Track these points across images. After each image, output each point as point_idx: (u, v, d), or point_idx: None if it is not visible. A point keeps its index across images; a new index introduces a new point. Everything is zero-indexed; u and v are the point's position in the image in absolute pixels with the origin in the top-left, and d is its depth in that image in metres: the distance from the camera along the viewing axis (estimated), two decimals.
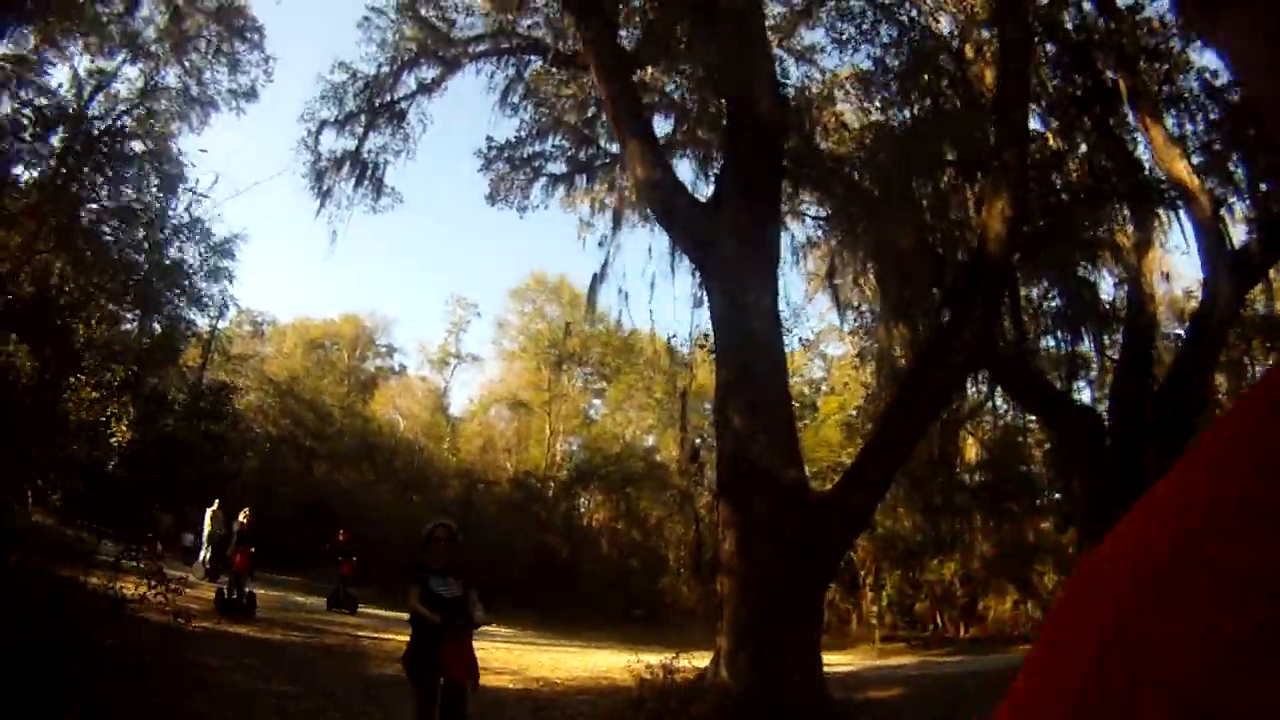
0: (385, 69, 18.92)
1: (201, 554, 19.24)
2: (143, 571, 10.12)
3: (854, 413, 29.05)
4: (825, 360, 34.93)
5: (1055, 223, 16.56)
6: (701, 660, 11.55)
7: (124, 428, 11.78)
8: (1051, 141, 17.12)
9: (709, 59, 14.16)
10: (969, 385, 18.86)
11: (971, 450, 27.39)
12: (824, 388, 35.96)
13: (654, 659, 11.90)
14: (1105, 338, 18.78)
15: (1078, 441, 16.29)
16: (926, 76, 16.22)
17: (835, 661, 18.05)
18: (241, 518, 18.18)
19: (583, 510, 36.71)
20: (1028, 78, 13.44)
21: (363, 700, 10.40)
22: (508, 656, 16.01)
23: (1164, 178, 16.37)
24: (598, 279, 19.15)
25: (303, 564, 23.76)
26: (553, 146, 20.24)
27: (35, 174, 15.82)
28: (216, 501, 19.00)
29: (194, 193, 11.55)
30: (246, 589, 16.19)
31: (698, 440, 31.99)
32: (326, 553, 22.65)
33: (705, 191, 16.13)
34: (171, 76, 24.67)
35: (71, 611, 8.06)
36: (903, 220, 14.42)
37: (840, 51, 17.44)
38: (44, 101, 13.84)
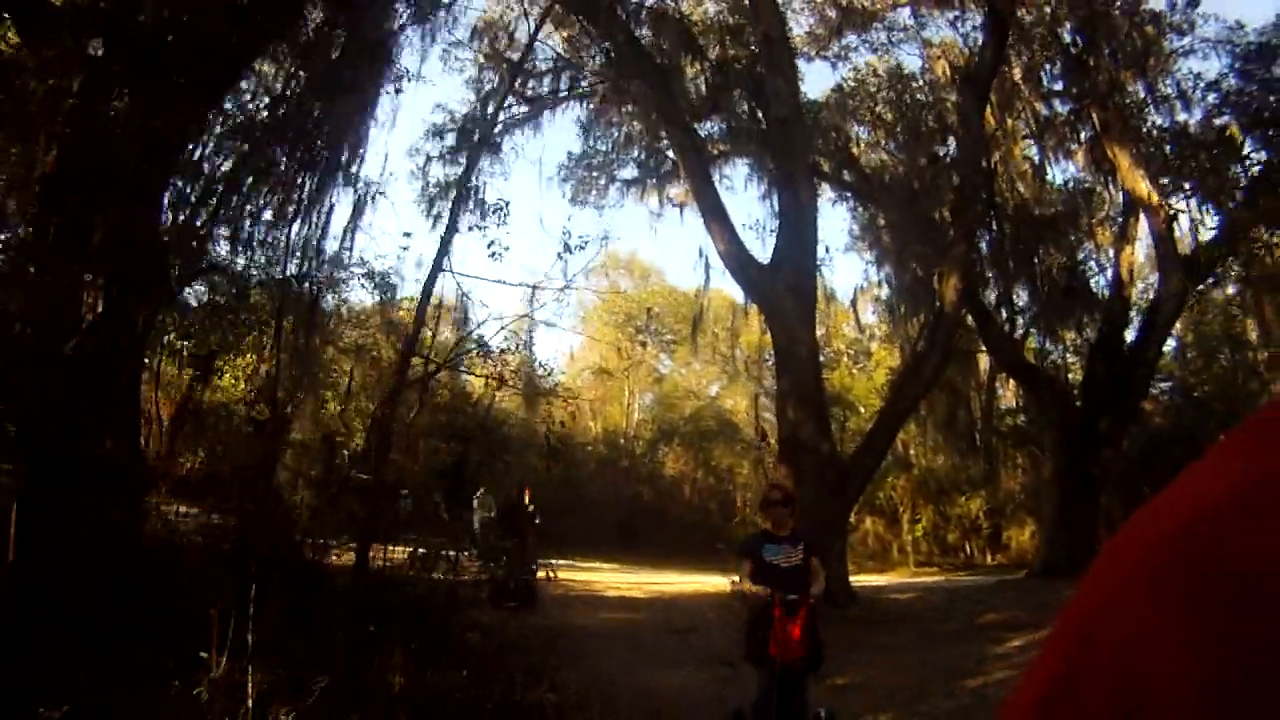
0: (478, 108, 22.90)
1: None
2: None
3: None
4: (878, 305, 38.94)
5: (1041, 230, 22.71)
6: None
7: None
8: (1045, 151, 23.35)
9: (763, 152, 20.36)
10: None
11: (1010, 395, 32.85)
12: (877, 333, 40.32)
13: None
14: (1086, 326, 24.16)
15: (1053, 410, 21.90)
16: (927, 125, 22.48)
17: (874, 579, 24.02)
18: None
19: (664, 462, 42.12)
20: (978, 198, 19.64)
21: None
22: (626, 580, 22.36)
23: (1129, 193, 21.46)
24: (695, 324, 25.01)
25: None
26: (625, 156, 25.37)
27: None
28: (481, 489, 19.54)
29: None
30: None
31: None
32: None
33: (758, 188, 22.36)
34: None
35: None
36: (908, 253, 20.79)
37: (873, 52, 23.73)
38: None
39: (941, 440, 28.93)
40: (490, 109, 21.54)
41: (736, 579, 6.97)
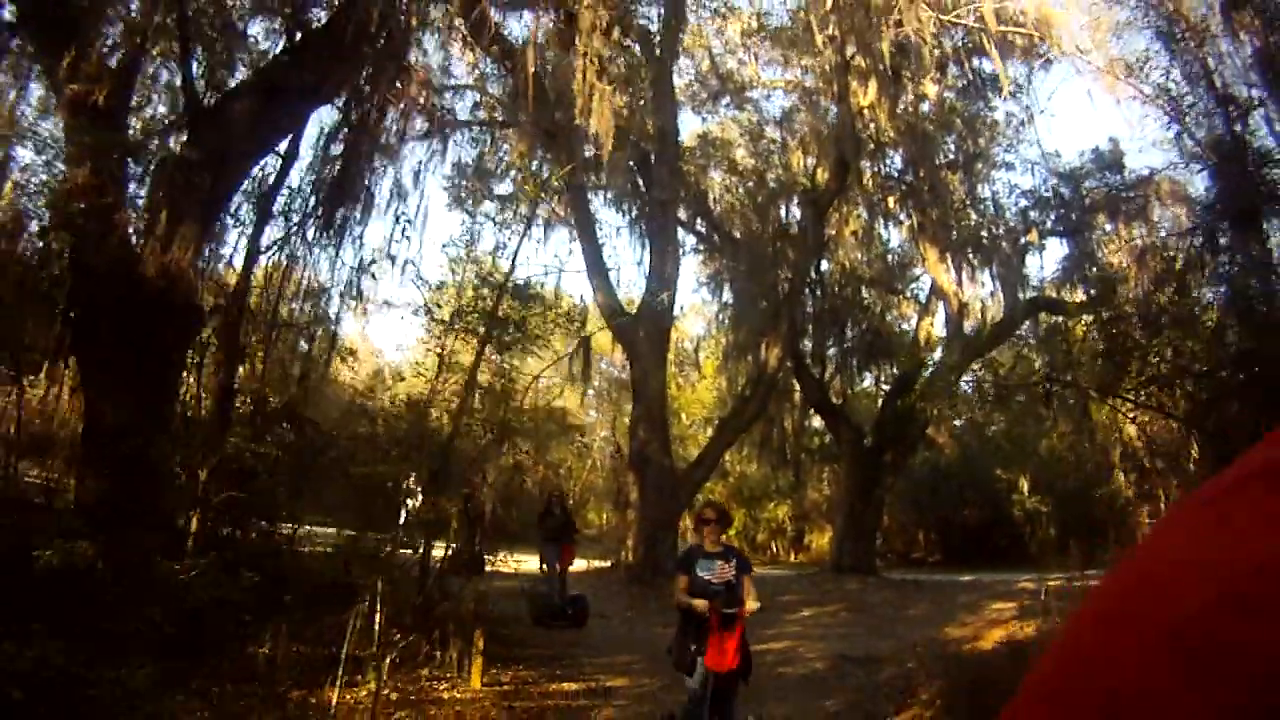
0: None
1: None
2: None
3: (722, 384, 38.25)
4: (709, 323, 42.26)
5: (858, 292, 28.25)
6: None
7: None
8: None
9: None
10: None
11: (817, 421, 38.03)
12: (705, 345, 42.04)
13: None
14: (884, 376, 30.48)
15: (848, 441, 27.32)
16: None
17: None
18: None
19: (506, 454, 46.25)
20: (804, 291, 25.54)
21: None
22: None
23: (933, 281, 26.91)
24: (578, 358, 29.03)
25: None
26: (503, 172, 27.41)
27: None
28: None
29: None
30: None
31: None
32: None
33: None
34: None
35: None
36: (746, 315, 25.95)
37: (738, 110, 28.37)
38: None
39: (756, 454, 33.78)
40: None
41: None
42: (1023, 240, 25.69)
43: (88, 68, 11.91)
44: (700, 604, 7.11)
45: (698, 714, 7.17)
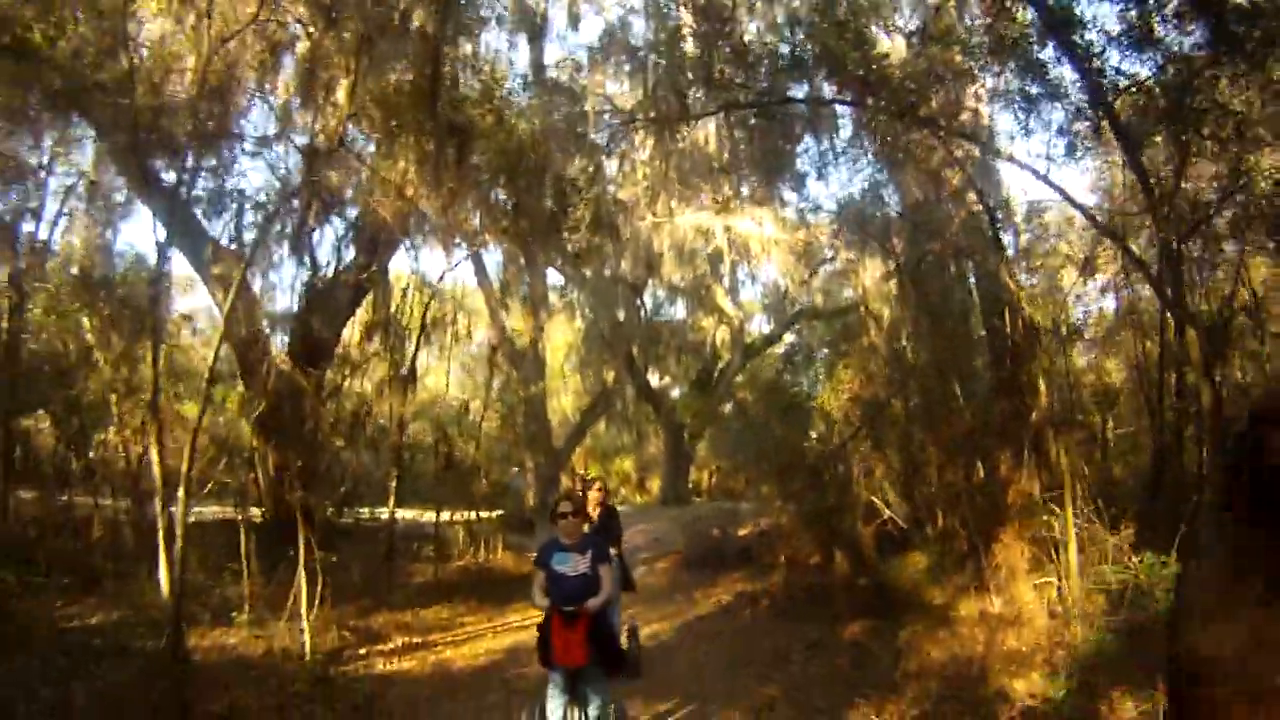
0: None
1: None
2: None
3: None
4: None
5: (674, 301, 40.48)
6: None
7: None
8: None
9: None
10: None
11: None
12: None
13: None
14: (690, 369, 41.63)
15: (665, 417, 38.83)
16: None
17: None
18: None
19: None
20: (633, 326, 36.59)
21: None
22: None
23: None
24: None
25: None
26: None
27: None
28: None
29: None
30: None
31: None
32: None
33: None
34: None
35: None
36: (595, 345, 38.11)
37: None
38: None
39: (606, 421, 44.21)
40: None
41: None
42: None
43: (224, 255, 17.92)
44: (541, 603, 7.48)
45: (558, 705, 7.55)
